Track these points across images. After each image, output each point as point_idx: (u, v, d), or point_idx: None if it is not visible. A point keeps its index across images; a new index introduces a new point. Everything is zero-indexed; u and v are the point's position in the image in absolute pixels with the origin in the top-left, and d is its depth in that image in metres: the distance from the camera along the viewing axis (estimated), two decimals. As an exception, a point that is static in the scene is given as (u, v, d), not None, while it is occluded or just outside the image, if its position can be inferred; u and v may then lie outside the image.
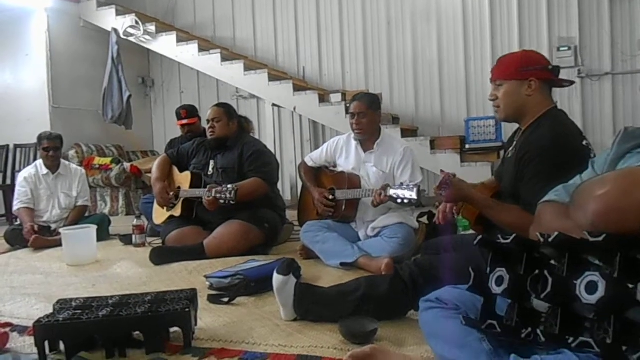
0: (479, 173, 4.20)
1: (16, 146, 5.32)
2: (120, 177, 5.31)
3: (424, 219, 2.89)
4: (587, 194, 0.89)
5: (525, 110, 1.67)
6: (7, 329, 1.75)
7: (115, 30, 5.68)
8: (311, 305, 1.69)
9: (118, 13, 5.74)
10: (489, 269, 1.00)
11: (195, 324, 1.64)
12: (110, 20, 5.76)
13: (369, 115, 2.68)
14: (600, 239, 0.81)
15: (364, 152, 2.75)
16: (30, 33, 5.57)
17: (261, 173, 2.96)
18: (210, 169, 3.11)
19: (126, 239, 3.48)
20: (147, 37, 5.63)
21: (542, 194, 1.19)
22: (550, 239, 0.88)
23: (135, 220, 3.43)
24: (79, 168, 4.08)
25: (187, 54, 5.50)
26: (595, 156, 1.52)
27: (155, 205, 3.30)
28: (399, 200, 2.24)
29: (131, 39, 5.70)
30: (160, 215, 3.28)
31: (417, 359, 1.35)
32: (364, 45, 5.78)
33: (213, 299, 2.00)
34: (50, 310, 1.59)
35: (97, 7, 5.82)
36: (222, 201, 2.68)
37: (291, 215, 3.44)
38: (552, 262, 0.92)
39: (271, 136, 5.33)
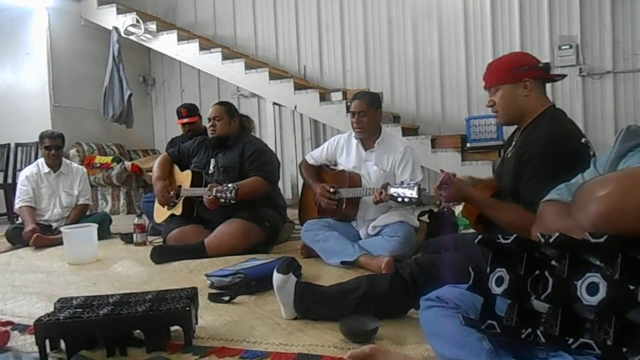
0: (479, 172, 4.17)
1: (17, 145, 5.33)
2: (121, 176, 5.31)
3: (425, 218, 2.89)
4: (588, 195, 0.89)
5: (524, 110, 1.67)
6: (8, 328, 1.75)
7: (116, 29, 5.68)
8: (311, 304, 1.70)
9: (119, 12, 5.74)
10: (488, 269, 1.00)
11: (196, 323, 1.64)
12: (111, 18, 5.76)
13: (369, 114, 2.68)
14: (602, 240, 0.81)
15: (365, 150, 2.74)
16: (31, 32, 5.58)
17: (262, 172, 2.96)
18: (211, 167, 3.11)
19: (127, 238, 3.48)
20: (148, 35, 5.63)
21: (542, 193, 1.19)
22: (551, 240, 0.88)
23: (136, 219, 3.43)
24: (80, 167, 4.09)
25: (187, 52, 5.50)
26: (594, 153, 1.53)
27: (156, 204, 3.30)
28: (400, 199, 2.24)
29: (132, 37, 5.70)
30: (161, 214, 3.28)
31: (418, 357, 1.35)
32: (364, 43, 5.77)
33: (214, 298, 2.00)
34: (51, 309, 1.59)
35: (97, 5, 5.82)
36: (222, 200, 2.68)
37: (292, 214, 3.44)
38: (553, 262, 0.92)
39: (272, 135, 5.33)
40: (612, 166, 1.04)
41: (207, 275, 2.26)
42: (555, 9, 4.99)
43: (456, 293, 1.20)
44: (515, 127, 1.79)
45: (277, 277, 1.71)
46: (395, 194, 2.25)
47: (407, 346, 1.47)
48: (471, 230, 2.05)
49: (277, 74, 5.44)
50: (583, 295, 0.84)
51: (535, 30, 5.08)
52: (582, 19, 4.89)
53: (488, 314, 1.00)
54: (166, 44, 5.61)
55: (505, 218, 1.61)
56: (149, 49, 6.13)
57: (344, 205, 2.66)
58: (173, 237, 2.99)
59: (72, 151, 5.48)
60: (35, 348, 1.47)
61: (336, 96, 5.07)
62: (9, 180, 5.22)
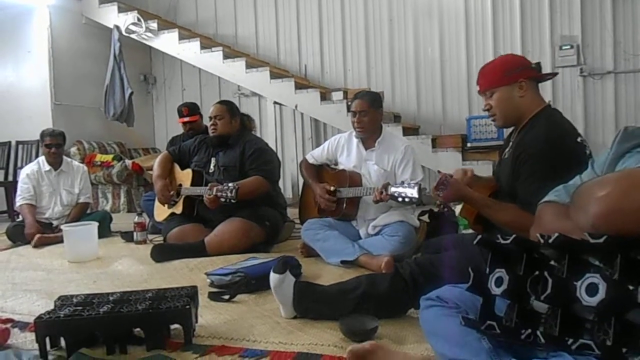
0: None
1: (18, 143, 5.33)
2: (122, 174, 5.31)
3: (425, 218, 2.89)
4: (587, 196, 0.89)
5: (521, 111, 1.68)
6: (9, 325, 1.75)
7: (117, 28, 5.67)
8: (311, 303, 1.70)
9: (120, 10, 5.74)
10: (488, 270, 1.00)
11: (196, 321, 1.64)
12: (112, 17, 5.75)
13: (370, 114, 2.68)
14: (601, 240, 0.81)
15: (365, 150, 2.74)
16: (32, 30, 5.57)
17: (262, 171, 2.96)
18: (212, 166, 3.11)
19: (127, 236, 3.49)
20: (149, 34, 5.63)
21: (538, 193, 1.19)
22: (550, 240, 0.88)
23: (137, 217, 3.43)
24: (81, 165, 4.09)
25: (189, 51, 5.49)
26: (590, 152, 1.53)
27: (157, 203, 3.30)
28: (400, 199, 2.24)
29: (133, 36, 5.69)
30: (161, 212, 3.28)
31: (417, 356, 1.35)
32: (365, 43, 5.77)
33: (214, 297, 2.01)
34: (52, 307, 1.60)
35: (99, 4, 5.81)
36: (222, 199, 2.68)
37: (292, 213, 3.44)
38: (552, 263, 0.91)
39: (272, 134, 5.34)
40: (610, 167, 1.04)
41: (207, 274, 2.26)
42: (556, 9, 4.98)
43: (456, 293, 1.20)
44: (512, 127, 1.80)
45: (273, 277, 1.71)
46: (395, 194, 2.25)
47: (407, 345, 1.47)
48: (471, 231, 2.05)
49: (278, 73, 5.43)
50: (582, 296, 0.84)
51: (536, 30, 5.07)
52: (583, 19, 4.88)
53: (487, 314, 1.00)
54: (167, 42, 5.60)
55: (503, 218, 1.62)
56: (150, 47, 6.12)
57: (344, 205, 2.66)
58: (173, 236, 2.99)
59: (73, 149, 5.48)
60: (36, 345, 1.47)
61: (337, 95, 5.07)
62: (10, 178, 5.22)
